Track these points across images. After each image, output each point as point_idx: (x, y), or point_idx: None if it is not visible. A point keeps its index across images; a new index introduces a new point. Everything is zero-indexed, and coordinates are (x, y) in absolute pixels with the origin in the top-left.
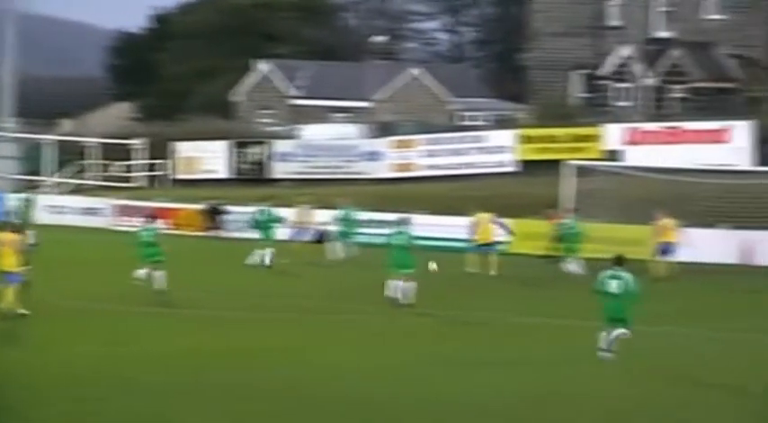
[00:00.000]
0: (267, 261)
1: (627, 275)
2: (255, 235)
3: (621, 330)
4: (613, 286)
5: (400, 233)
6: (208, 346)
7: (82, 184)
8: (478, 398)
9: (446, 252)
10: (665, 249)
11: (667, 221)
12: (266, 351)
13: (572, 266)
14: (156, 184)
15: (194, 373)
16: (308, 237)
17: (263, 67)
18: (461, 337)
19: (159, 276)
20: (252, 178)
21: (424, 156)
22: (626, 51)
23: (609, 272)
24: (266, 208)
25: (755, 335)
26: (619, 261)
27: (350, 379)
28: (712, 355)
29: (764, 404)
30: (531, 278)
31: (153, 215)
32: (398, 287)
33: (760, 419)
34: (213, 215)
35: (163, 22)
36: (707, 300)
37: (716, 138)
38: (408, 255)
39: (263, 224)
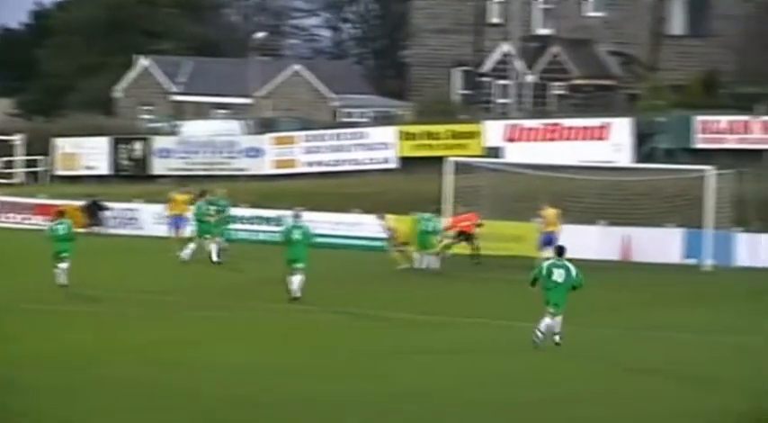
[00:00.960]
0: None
1: (572, 266)
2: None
3: (560, 319)
4: (558, 275)
5: (298, 227)
6: (98, 344)
7: None
8: (359, 394)
9: (327, 249)
10: (549, 239)
11: (551, 211)
12: (155, 347)
13: (428, 261)
14: (39, 180)
15: (85, 370)
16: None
17: (143, 62)
18: (351, 331)
19: (63, 270)
20: (132, 175)
21: (305, 152)
22: (507, 48)
23: (551, 262)
24: (203, 203)
25: (638, 332)
26: (560, 252)
27: (239, 376)
28: (595, 351)
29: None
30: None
31: (62, 211)
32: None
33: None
34: (94, 211)
35: (43, 17)
36: (588, 296)
37: (596, 135)
38: (304, 250)
39: (200, 219)
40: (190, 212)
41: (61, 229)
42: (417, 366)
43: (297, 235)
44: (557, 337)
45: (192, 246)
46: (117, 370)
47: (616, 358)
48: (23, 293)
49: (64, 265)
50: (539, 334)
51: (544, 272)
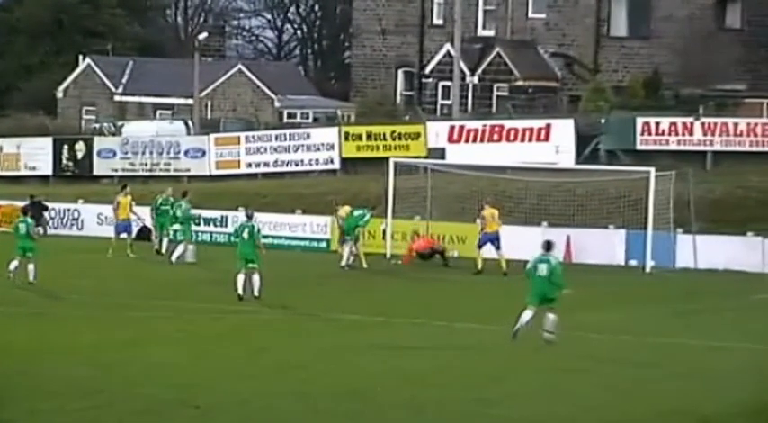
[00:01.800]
0: (176, 256)
1: (554, 259)
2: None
3: (553, 316)
4: (542, 269)
5: (247, 227)
6: (37, 345)
7: None
8: (298, 393)
9: (270, 249)
10: (490, 239)
11: (493, 211)
12: (94, 348)
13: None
14: None
15: (23, 371)
16: (132, 232)
17: (87, 63)
18: (292, 331)
19: (31, 269)
20: (74, 175)
21: (248, 153)
22: (450, 50)
23: (537, 256)
24: (185, 203)
25: (575, 333)
26: (548, 246)
27: (176, 377)
28: (534, 352)
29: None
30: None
31: (25, 209)
32: (245, 281)
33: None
34: (39, 211)
35: None
36: (518, 297)
37: (539, 136)
38: (252, 248)
39: (182, 220)
40: (133, 216)
41: (22, 227)
42: (357, 366)
43: (245, 234)
44: (550, 335)
45: (190, 247)
46: (55, 371)
47: (552, 359)
48: None
49: (30, 266)
50: (518, 326)
51: (530, 266)
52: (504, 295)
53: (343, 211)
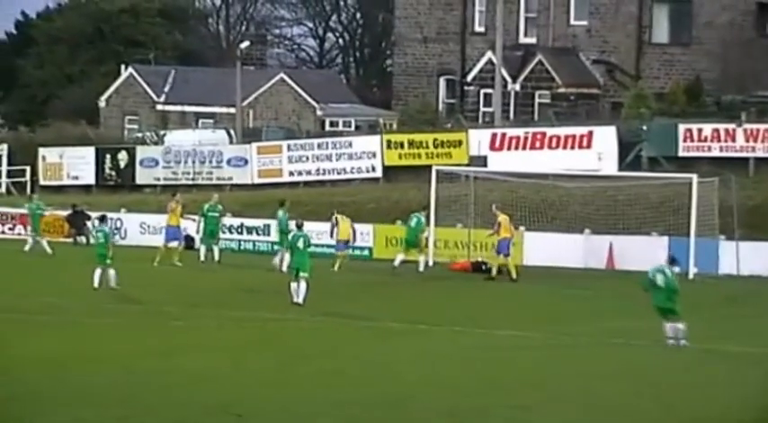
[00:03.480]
0: (283, 267)
1: (670, 271)
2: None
3: (681, 325)
4: (659, 280)
5: (301, 237)
6: (75, 353)
7: None
8: (335, 401)
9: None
10: (509, 244)
11: (505, 216)
12: (133, 356)
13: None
14: (25, 190)
15: (61, 379)
16: (178, 239)
17: (129, 72)
18: (329, 338)
19: (112, 275)
20: (116, 184)
21: (290, 161)
22: (491, 57)
23: (656, 267)
24: (282, 213)
25: (615, 339)
26: (672, 261)
27: (214, 384)
28: (573, 358)
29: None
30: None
31: (102, 217)
32: (296, 289)
33: None
34: (82, 220)
35: (26, 27)
36: (570, 304)
37: (580, 143)
38: (306, 257)
39: (281, 230)
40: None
41: (100, 236)
42: (397, 373)
43: (300, 243)
44: (682, 342)
45: (287, 255)
46: (96, 379)
47: (592, 365)
48: (2, 302)
49: (111, 272)
50: (668, 340)
51: (650, 276)
52: (544, 303)
53: (339, 216)
